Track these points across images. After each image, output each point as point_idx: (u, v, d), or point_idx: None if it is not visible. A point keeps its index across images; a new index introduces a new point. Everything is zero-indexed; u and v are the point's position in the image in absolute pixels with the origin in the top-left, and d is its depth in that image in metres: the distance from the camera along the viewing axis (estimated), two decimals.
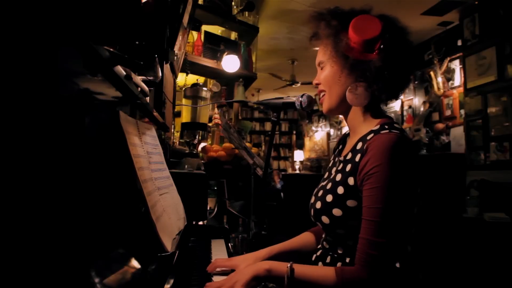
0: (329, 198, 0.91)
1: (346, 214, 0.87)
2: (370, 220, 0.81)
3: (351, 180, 0.87)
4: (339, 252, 0.92)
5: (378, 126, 0.90)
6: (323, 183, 1.00)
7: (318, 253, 0.99)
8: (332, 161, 1.08)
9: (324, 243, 0.99)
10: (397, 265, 0.84)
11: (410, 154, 0.84)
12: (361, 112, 0.96)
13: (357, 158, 0.87)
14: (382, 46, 0.88)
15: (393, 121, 0.93)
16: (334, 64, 0.95)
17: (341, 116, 1.04)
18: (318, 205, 0.93)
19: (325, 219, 0.91)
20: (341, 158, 0.97)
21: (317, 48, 1.03)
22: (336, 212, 0.88)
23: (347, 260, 0.89)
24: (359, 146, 0.90)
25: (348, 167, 0.90)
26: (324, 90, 1.00)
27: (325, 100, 1.00)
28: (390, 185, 0.80)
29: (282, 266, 0.84)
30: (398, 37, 0.91)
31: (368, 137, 0.88)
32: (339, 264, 0.91)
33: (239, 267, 0.98)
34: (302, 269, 0.83)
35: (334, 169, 1.01)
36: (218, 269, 1.00)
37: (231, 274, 0.89)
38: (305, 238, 1.13)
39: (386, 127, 0.88)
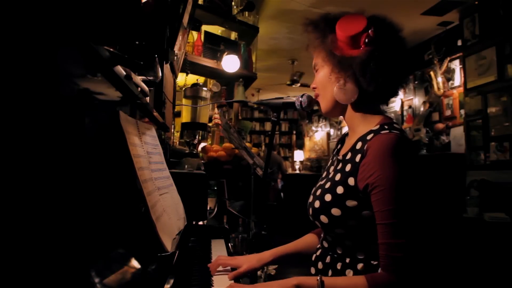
0: (328, 197, 0.90)
1: (345, 213, 0.87)
2: (384, 223, 0.80)
3: (351, 181, 0.87)
4: (339, 252, 0.92)
5: (378, 126, 0.90)
6: (321, 182, 0.99)
7: (318, 253, 0.99)
8: (330, 161, 1.08)
9: (324, 242, 0.99)
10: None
11: (411, 152, 0.84)
12: (360, 112, 0.96)
13: (357, 159, 0.87)
14: (367, 40, 0.89)
15: (393, 121, 0.93)
16: (325, 64, 0.97)
17: (341, 116, 1.05)
18: (317, 204, 0.93)
19: (323, 218, 0.91)
20: (340, 157, 0.97)
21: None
22: (335, 211, 0.88)
23: (347, 260, 0.89)
24: (358, 146, 0.90)
25: (348, 167, 0.90)
26: (318, 94, 1.02)
27: (321, 102, 1.02)
28: (397, 185, 0.79)
29: (311, 280, 0.82)
30: (384, 31, 0.91)
31: (368, 137, 0.87)
32: (339, 264, 0.90)
33: (242, 266, 0.98)
34: (332, 281, 0.81)
35: (332, 168, 1.00)
36: (220, 268, 1.00)
37: (254, 284, 0.88)
38: (308, 240, 1.13)
39: (386, 127, 0.88)
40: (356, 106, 0.96)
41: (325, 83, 0.98)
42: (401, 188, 0.80)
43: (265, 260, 1.02)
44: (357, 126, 0.97)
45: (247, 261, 0.99)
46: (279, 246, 1.08)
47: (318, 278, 0.80)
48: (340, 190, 0.89)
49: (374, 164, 0.82)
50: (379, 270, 0.81)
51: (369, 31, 0.89)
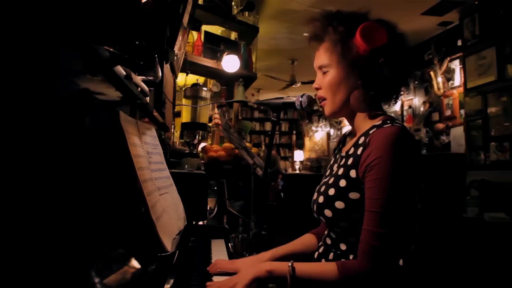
0: (331, 191, 0.92)
1: (349, 206, 0.88)
2: (372, 211, 0.81)
3: (353, 173, 0.88)
4: (342, 248, 0.93)
5: (380, 122, 0.92)
6: (325, 180, 1.01)
7: (320, 250, 1.00)
8: (333, 159, 1.09)
9: (327, 239, 0.99)
10: (401, 262, 0.84)
11: (412, 146, 0.85)
12: (365, 113, 0.97)
13: (359, 151, 0.89)
14: (388, 54, 0.90)
15: (394, 118, 0.95)
16: (340, 70, 0.95)
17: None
18: (321, 199, 0.94)
19: (328, 212, 0.91)
20: (343, 154, 0.98)
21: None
22: (339, 204, 0.89)
23: (351, 257, 0.90)
24: (361, 140, 0.91)
25: (350, 161, 0.91)
26: (324, 97, 0.99)
27: (328, 105, 0.99)
28: (392, 176, 0.80)
29: (283, 266, 0.84)
30: (400, 44, 0.93)
31: (371, 132, 0.89)
32: None
33: (241, 270, 0.97)
34: (303, 267, 0.83)
35: (335, 165, 1.01)
36: (219, 270, 1.00)
37: (232, 276, 0.89)
38: (307, 239, 1.13)
39: (388, 122, 0.90)
40: None
41: (337, 88, 0.96)
42: (396, 181, 0.81)
43: (264, 262, 1.01)
44: (362, 125, 0.98)
45: (244, 267, 0.98)
46: (277, 247, 1.09)
47: (290, 264, 0.82)
48: (343, 183, 0.90)
49: (375, 153, 0.83)
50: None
51: (392, 45, 0.91)
